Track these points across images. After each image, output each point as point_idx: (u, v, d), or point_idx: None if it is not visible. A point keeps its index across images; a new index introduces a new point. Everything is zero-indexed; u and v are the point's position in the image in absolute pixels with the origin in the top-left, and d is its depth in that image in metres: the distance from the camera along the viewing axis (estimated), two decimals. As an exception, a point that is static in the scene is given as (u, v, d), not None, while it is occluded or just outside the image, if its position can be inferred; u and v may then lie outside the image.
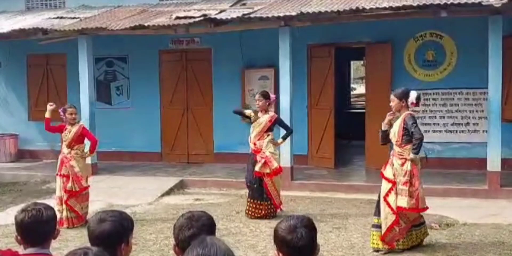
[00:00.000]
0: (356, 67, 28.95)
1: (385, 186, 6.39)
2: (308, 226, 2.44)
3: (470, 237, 6.96)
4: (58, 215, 6.77)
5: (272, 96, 8.19)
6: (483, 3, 8.48)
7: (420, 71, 11.16)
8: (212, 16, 10.00)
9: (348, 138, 14.29)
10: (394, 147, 6.43)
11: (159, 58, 12.72)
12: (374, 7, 8.99)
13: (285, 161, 9.79)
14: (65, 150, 7.93)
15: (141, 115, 12.73)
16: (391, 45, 11.09)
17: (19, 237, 2.87)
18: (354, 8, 9.08)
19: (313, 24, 9.97)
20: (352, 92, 24.02)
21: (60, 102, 10.50)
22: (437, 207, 8.10)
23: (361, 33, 11.22)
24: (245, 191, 8.48)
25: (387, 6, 8.91)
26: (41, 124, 8.82)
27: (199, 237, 2.17)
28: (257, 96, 8.13)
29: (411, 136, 6.27)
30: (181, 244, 2.54)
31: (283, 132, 8.46)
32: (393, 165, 6.35)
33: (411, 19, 9.74)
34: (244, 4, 11.17)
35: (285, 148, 9.76)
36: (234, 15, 9.94)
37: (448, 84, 10.97)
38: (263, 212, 7.97)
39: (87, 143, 8.23)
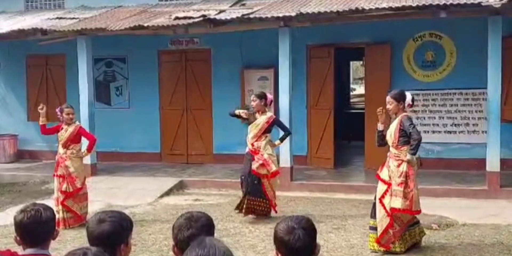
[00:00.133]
0: (356, 68, 28.98)
1: (381, 187, 6.37)
2: (307, 227, 2.44)
3: (469, 237, 6.95)
4: (57, 215, 6.74)
5: (269, 96, 8.10)
6: (482, 4, 8.48)
7: (420, 72, 11.15)
8: (212, 17, 10.00)
9: (348, 138, 14.29)
10: (391, 148, 6.38)
11: (159, 59, 12.71)
12: (373, 7, 8.99)
13: (285, 161, 9.81)
14: (60, 150, 7.85)
15: (141, 115, 12.72)
16: (390, 46, 11.09)
17: (18, 238, 2.87)
18: (353, 8, 9.08)
19: (312, 25, 9.97)
20: (351, 93, 24.03)
21: (60, 102, 10.50)
22: (436, 208, 8.12)
23: (361, 34, 11.22)
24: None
25: (387, 7, 8.92)
26: (40, 124, 8.79)
27: (198, 238, 2.17)
28: (252, 97, 8.11)
29: (408, 138, 6.24)
30: (180, 245, 2.53)
31: (282, 133, 8.44)
32: (389, 167, 6.31)
33: (410, 19, 9.74)
34: (243, 5, 11.18)
35: (285, 148, 9.77)
36: (234, 16, 9.94)
37: (448, 84, 10.97)
38: (259, 208, 7.92)
39: (83, 142, 8.11)
